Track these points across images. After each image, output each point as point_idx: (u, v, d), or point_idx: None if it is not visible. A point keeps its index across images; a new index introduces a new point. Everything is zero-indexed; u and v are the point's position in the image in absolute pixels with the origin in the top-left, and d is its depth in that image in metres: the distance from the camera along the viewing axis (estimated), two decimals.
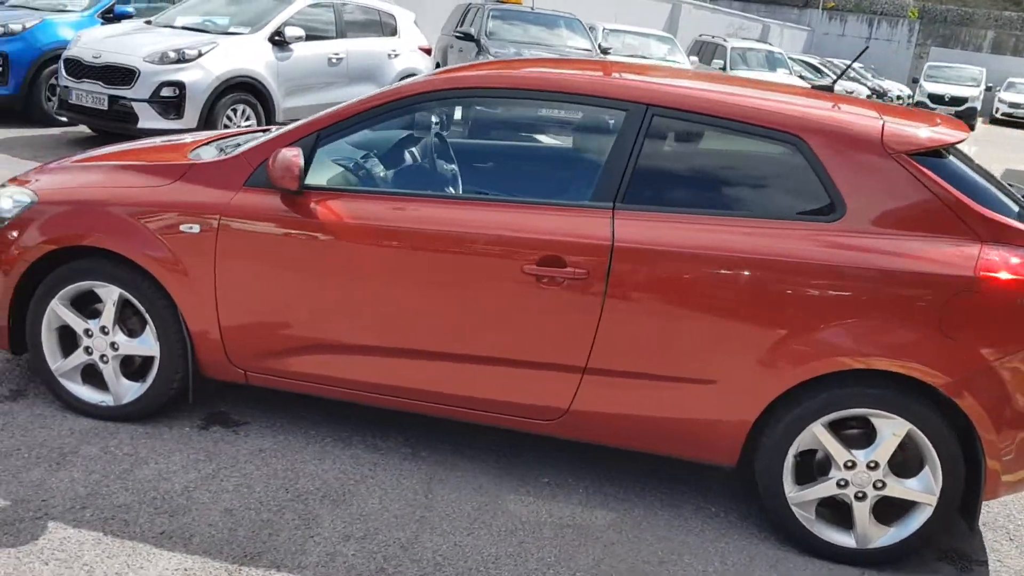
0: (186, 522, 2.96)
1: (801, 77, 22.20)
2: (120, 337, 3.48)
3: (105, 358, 3.51)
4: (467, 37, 12.07)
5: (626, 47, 16.15)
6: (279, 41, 8.97)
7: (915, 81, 31.60)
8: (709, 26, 26.36)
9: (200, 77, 8.24)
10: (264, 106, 8.84)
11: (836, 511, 3.17)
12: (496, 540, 3.06)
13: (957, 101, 27.97)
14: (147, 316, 3.41)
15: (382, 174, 3.63)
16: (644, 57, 14.87)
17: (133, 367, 3.56)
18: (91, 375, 3.60)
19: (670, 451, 3.25)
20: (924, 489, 3.04)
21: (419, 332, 3.24)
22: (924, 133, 3.14)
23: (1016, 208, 3.16)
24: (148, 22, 9.38)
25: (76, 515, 2.94)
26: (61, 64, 8.58)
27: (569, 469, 3.56)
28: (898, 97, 27.51)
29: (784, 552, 3.17)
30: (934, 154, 3.11)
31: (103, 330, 3.47)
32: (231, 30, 9.00)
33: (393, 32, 10.56)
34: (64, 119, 8.94)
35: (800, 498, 3.13)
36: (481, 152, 4.06)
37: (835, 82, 4.51)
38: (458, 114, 4.18)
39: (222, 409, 3.74)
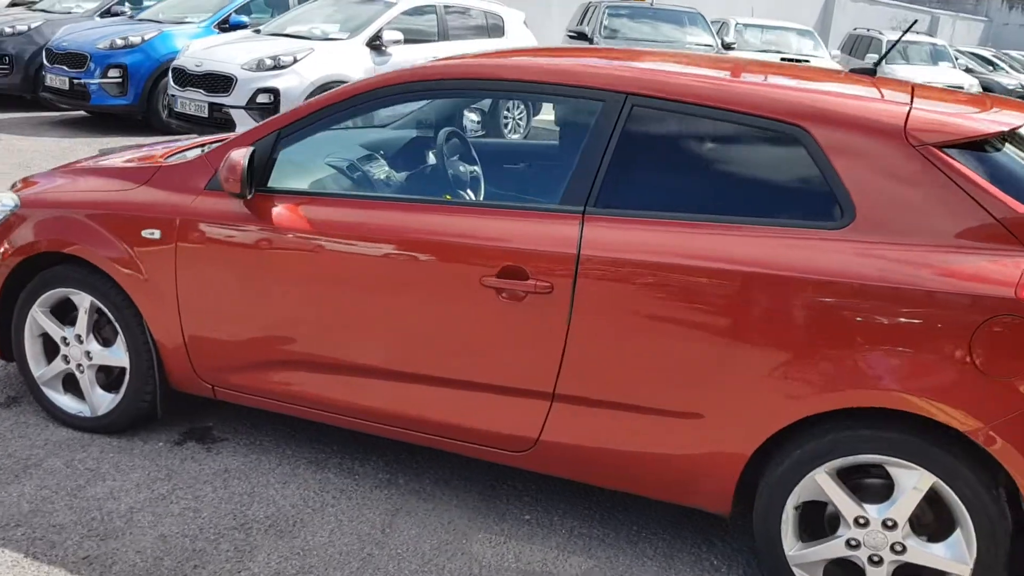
0: (114, 548, 2.77)
1: (968, 71, 20.52)
2: (94, 346, 3.36)
3: (81, 367, 3.39)
4: (580, 36, 11.68)
5: (764, 43, 15.36)
6: (377, 46, 8.93)
7: None
8: (868, 20, 24.78)
9: (295, 83, 8.29)
10: None
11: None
12: None
13: None
14: (116, 325, 3.28)
15: (344, 176, 3.33)
16: (779, 52, 14.01)
17: (111, 377, 3.44)
18: (73, 384, 3.50)
19: (654, 494, 2.80)
20: (955, 558, 2.45)
21: (375, 349, 2.94)
22: (963, 122, 2.55)
23: None
24: (257, 31, 9.56)
25: (6, 533, 2.80)
26: (170, 73, 8.84)
27: (559, 507, 3.16)
28: None
29: None
30: (977, 146, 2.53)
31: (78, 338, 3.37)
32: (331, 36, 9.02)
33: (500, 33, 10.36)
34: (173, 126, 9.22)
35: (802, 558, 2.61)
36: (447, 151, 3.63)
37: (878, 64, 3.84)
38: (427, 112, 3.83)
39: (208, 424, 3.56)
